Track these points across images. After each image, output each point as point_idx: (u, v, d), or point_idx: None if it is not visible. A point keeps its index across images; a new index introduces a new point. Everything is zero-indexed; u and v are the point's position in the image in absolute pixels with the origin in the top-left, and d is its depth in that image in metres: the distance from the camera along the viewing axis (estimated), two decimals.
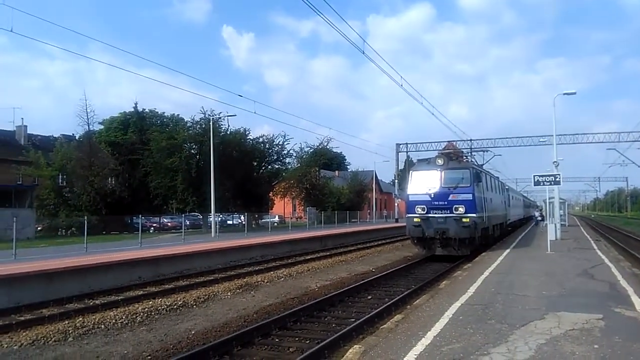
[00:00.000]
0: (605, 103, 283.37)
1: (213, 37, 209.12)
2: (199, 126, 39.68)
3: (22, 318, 10.08)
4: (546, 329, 6.72)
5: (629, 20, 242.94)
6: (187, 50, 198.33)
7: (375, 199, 68.11)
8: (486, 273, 12.48)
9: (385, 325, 7.60)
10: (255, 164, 45.19)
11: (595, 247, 20.16)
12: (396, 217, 57.85)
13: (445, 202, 17.68)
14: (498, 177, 28.45)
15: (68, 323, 9.49)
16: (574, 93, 24.47)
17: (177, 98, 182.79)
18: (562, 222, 30.29)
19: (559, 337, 6.32)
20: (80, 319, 9.87)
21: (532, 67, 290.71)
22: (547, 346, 5.93)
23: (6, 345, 8.17)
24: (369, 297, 12.02)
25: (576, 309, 8.01)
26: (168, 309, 10.98)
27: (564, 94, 24.48)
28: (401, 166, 61.07)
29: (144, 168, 41.78)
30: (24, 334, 8.83)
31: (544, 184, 18.82)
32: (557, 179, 18.43)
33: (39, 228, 36.03)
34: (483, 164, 24.35)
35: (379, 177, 76.17)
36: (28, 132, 51.49)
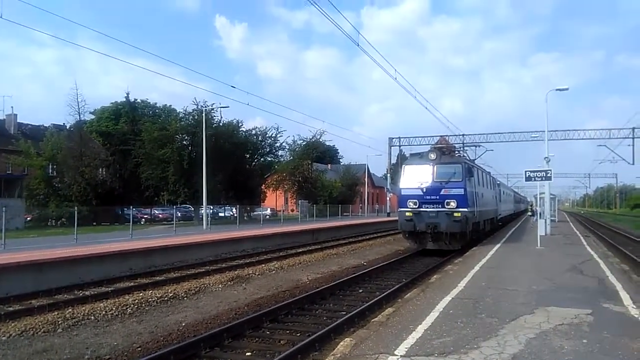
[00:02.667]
0: (597, 99, 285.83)
1: (205, 26, 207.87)
2: (191, 117, 39.43)
3: (11, 309, 9.99)
4: (536, 324, 6.77)
5: (623, 14, 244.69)
6: (179, 40, 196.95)
7: (368, 192, 68.21)
8: (477, 267, 12.55)
9: (376, 319, 7.61)
10: (247, 156, 45.05)
11: (585, 243, 20.34)
12: (388, 211, 57.99)
13: (437, 197, 17.73)
14: (490, 172, 28.58)
15: (57, 314, 9.42)
16: (567, 89, 24.53)
17: (169, 88, 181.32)
18: (552, 218, 30.52)
19: (549, 332, 6.37)
20: (70, 310, 9.80)
21: (526, 61, 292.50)
22: (536, 340, 5.98)
23: None
24: (360, 291, 12.04)
25: (565, 304, 8.08)
26: (159, 300, 10.94)
27: (557, 89, 24.56)
28: (394, 160, 61.15)
29: (136, 159, 41.45)
30: (12, 324, 8.75)
31: (535, 180, 18.92)
32: (549, 175, 18.52)
33: (28, 218, 35.77)
34: (475, 159, 24.39)
35: (371, 171, 76.28)
36: (18, 121, 50.96)
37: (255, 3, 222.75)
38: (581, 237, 23.86)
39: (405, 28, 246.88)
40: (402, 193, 18.74)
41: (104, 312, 9.71)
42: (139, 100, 59.18)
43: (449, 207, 17.46)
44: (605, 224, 46.96)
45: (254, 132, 45.15)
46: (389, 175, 58.87)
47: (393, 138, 58.68)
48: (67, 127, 45.44)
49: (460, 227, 17.32)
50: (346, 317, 8.62)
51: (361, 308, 9.30)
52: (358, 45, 19.20)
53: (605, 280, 10.61)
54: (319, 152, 58.96)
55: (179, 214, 36.68)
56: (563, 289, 9.51)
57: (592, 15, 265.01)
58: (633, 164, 49.94)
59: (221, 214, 48.00)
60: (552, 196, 32.16)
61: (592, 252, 16.45)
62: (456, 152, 22.49)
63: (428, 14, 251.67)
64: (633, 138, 49.14)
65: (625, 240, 26.49)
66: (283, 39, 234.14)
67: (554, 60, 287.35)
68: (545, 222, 23.55)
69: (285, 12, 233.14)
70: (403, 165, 19.83)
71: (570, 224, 41.46)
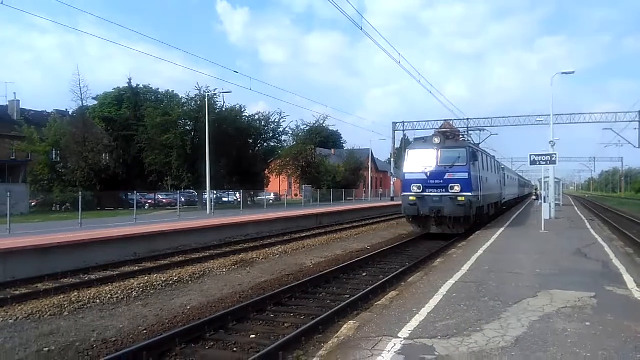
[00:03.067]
0: (603, 83, 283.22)
1: (207, 11, 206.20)
2: (194, 102, 39.32)
3: (18, 292, 10.09)
4: (539, 307, 6.78)
5: None
6: (181, 25, 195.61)
7: (371, 177, 68.16)
8: (480, 251, 12.56)
9: (379, 302, 7.64)
10: (250, 141, 44.94)
11: (589, 227, 20.31)
12: (392, 195, 57.96)
13: (441, 181, 17.69)
14: (494, 157, 28.44)
15: (63, 297, 9.51)
16: (573, 72, 24.29)
17: (172, 74, 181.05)
18: (557, 202, 30.46)
19: (552, 315, 6.38)
20: (76, 293, 9.89)
21: (531, 45, 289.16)
22: (539, 323, 5.99)
23: (1, 319, 8.18)
24: (364, 274, 12.09)
25: (569, 287, 8.07)
26: (163, 284, 11.02)
27: (563, 73, 24.32)
28: (398, 145, 61.00)
29: (139, 144, 41.47)
30: (19, 308, 8.84)
31: (539, 163, 18.87)
32: (553, 159, 18.47)
33: (32, 203, 35.92)
34: (479, 143, 24.23)
35: (375, 156, 76.07)
36: (21, 107, 50.94)
37: None
38: (586, 221, 23.82)
39: (409, 12, 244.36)
40: (406, 177, 18.69)
41: (109, 296, 9.79)
42: (141, 86, 59.00)
43: (453, 191, 17.42)
44: (610, 208, 46.87)
45: (257, 117, 44.95)
46: (392, 159, 58.75)
47: (397, 122, 58.50)
48: (70, 113, 45.46)
49: (464, 211, 17.30)
50: (350, 300, 8.66)
51: (365, 291, 9.34)
52: (362, 29, 18.95)
53: (610, 264, 10.60)
54: (323, 137, 58.68)
55: (183, 199, 36.81)
56: (567, 273, 9.50)
57: None
58: (639, 147, 49.65)
59: (225, 199, 48.11)
60: (556, 180, 32.03)
61: (597, 236, 16.42)
62: (460, 136, 22.36)
63: None
64: (639, 121, 48.78)
65: (630, 224, 26.45)
66: (285, 24, 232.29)
67: (559, 43, 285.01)
68: (550, 205, 23.50)
69: None
70: (407, 150, 19.76)
71: (575, 207, 41.37)
